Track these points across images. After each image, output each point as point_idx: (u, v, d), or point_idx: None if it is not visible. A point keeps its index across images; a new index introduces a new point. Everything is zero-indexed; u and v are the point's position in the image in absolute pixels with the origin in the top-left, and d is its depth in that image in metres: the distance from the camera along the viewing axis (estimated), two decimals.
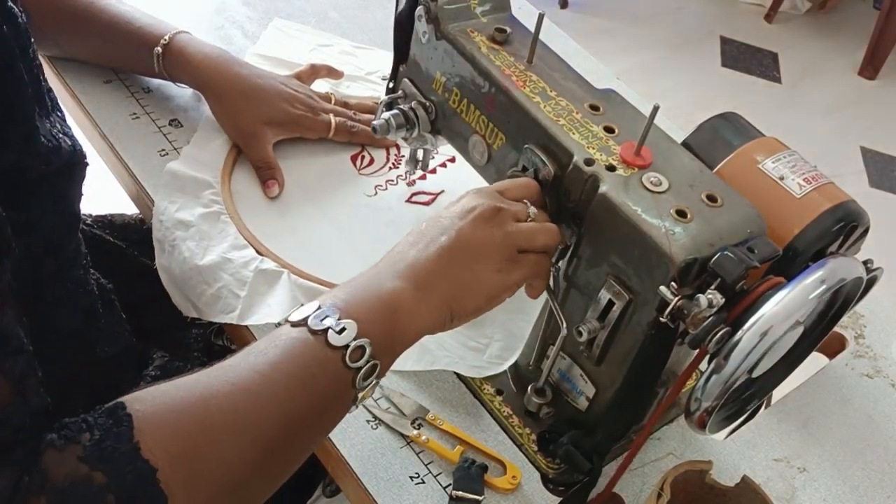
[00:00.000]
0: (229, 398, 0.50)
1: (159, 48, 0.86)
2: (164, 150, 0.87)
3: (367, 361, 0.54)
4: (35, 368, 0.48)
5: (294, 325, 0.54)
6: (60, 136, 0.58)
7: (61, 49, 0.92)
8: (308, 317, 0.53)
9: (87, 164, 0.62)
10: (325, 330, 0.52)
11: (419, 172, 0.90)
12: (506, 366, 0.74)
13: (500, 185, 0.64)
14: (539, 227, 0.62)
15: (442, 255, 0.59)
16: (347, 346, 0.53)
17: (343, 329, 0.53)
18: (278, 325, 0.56)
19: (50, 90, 0.60)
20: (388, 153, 0.93)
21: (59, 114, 0.60)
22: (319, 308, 0.54)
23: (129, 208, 0.93)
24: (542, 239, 0.62)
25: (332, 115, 0.90)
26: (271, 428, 0.51)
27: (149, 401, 0.49)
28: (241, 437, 0.50)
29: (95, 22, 0.87)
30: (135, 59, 0.89)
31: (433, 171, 0.92)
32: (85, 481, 0.44)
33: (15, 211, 0.50)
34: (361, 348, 0.53)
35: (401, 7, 0.73)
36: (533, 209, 0.62)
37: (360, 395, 0.55)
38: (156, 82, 0.93)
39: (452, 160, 0.93)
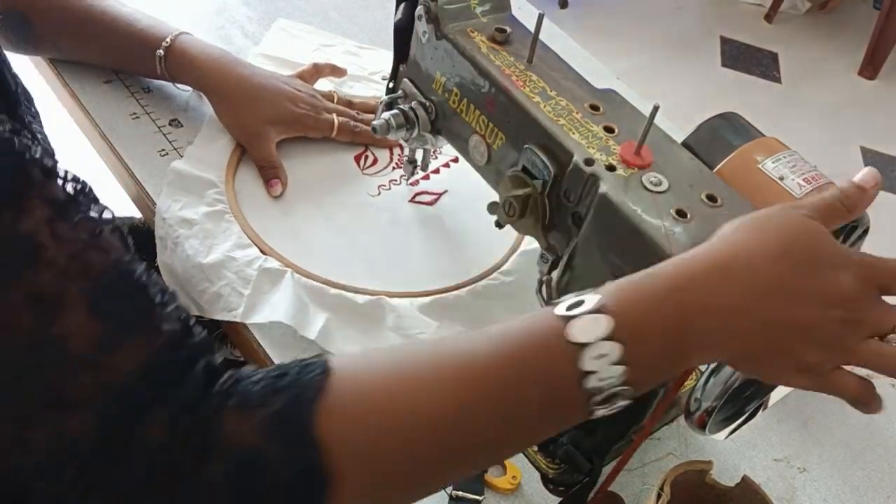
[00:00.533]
0: (436, 376, 0.45)
1: (161, 50, 0.86)
2: (164, 150, 0.87)
3: (611, 395, 0.45)
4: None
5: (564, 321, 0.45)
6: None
7: (61, 52, 0.92)
8: (588, 344, 0.44)
9: None
10: (588, 373, 0.44)
11: (420, 174, 0.90)
12: None
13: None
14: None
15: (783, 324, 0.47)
16: (600, 389, 0.44)
17: (609, 379, 0.44)
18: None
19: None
20: (392, 153, 0.93)
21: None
22: (601, 346, 0.44)
23: (130, 209, 0.93)
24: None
25: (335, 115, 0.90)
26: (473, 420, 0.45)
27: (347, 369, 0.46)
28: (434, 421, 0.45)
29: (96, 25, 0.87)
30: (137, 61, 0.89)
31: (436, 171, 0.92)
32: (257, 454, 0.43)
33: None
34: (613, 393, 0.45)
35: (400, 7, 0.73)
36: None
37: (592, 414, 0.46)
38: (156, 82, 0.93)
39: (456, 160, 0.93)
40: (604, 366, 0.44)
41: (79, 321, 0.42)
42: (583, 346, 0.44)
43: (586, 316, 0.45)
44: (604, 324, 0.44)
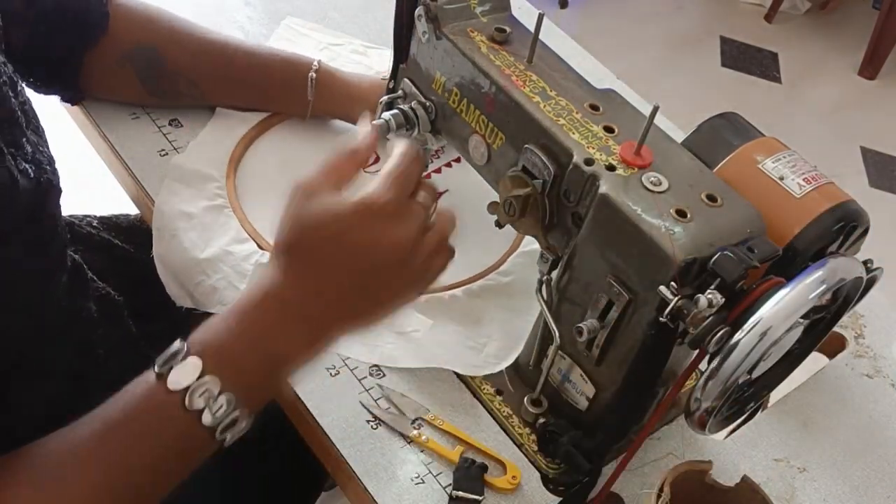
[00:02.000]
0: (73, 469, 0.51)
1: (313, 73, 0.84)
2: (163, 150, 0.87)
3: (232, 420, 0.52)
4: None
5: (161, 379, 0.51)
6: (22, 165, 0.54)
7: (195, 91, 0.88)
8: (188, 388, 0.51)
9: (59, 191, 0.60)
10: (200, 410, 0.51)
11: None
12: (503, 365, 0.74)
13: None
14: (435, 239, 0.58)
15: (344, 300, 0.54)
16: (216, 426, 0.51)
17: (220, 407, 0.51)
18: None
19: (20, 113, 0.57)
20: None
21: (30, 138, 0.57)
22: (201, 383, 0.51)
23: (130, 209, 0.93)
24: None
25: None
26: (124, 485, 0.51)
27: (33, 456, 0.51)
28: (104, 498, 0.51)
29: (226, 58, 0.85)
30: (280, 93, 0.87)
31: (438, 171, 0.92)
32: None
33: None
34: (230, 420, 0.52)
35: (400, 7, 0.73)
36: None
37: (225, 441, 0.53)
38: None
39: (458, 160, 0.93)
40: (210, 400, 0.50)
41: None
42: (185, 389, 0.50)
43: (179, 364, 0.50)
44: (196, 364, 0.50)
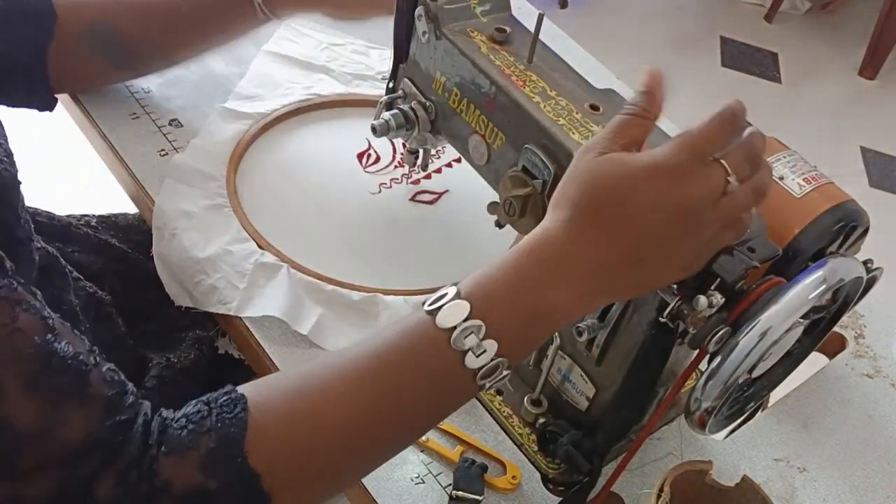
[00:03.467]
0: (337, 390, 0.51)
1: None
2: (164, 150, 0.87)
3: (492, 367, 0.51)
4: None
5: (430, 317, 0.51)
6: None
7: (148, 55, 0.88)
8: (455, 327, 0.50)
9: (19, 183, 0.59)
10: (465, 352, 0.50)
11: (421, 172, 0.90)
12: None
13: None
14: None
15: (622, 262, 0.51)
16: (481, 367, 0.51)
17: (483, 352, 0.50)
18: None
19: None
20: (395, 151, 0.93)
21: None
22: (467, 325, 0.50)
23: (129, 209, 0.93)
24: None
25: None
26: (377, 419, 0.52)
27: (262, 401, 0.51)
28: (345, 429, 0.51)
29: (167, 5, 0.85)
30: (229, 18, 0.86)
31: (438, 171, 0.92)
32: (201, 489, 0.48)
33: None
34: (494, 364, 0.51)
35: (400, 7, 0.73)
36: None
37: (483, 388, 0.53)
38: (156, 83, 0.93)
39: (459, 160, 0.93)
40: (475, 341, 0.50)
41: (18, 402, 0.46)
42: (452, 329, 0.50)
43: (447, 305, 0.51)
44: (463, 307, 0.51)
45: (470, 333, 0.50)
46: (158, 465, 0.48)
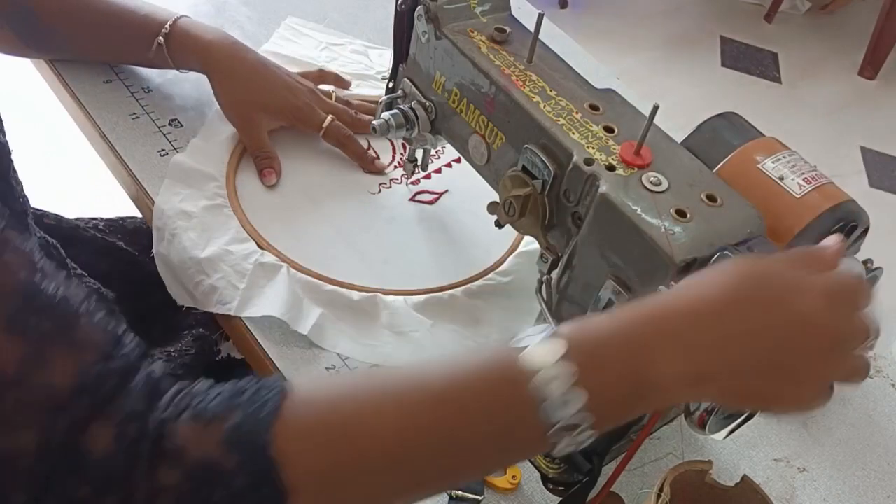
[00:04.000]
0: (389, 402, 0.46)
1: (161, 37, 0.85)
2: (164, 150, 0.87)
3: (573, 423, 0.45)
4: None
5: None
6: None
7: (62, 45, 0.90)
8: (540, 369, 0.44)
9: None
10: (544, 399, 0.44)
11: (420, 173, 0.90)
12: None
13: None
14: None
15: (756, 358, 0.47)
16: (558, 420, 0.44)
17: (567, 402, 0.44)
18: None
19: None
20: (395, 151, 0.93)
21: None
22: (556, 368, 0.44)
23: (129, 209, 0.93)
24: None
25: (329, 117, 0.89)
26: (423, 449, 0.46)
27: (303, 394, 0.47)
28: (385, 447, 0.46)
29: (94, 11, 0.86)
30: (137, 50, 0.87)
31: (438, 171, 0.92)
32: (215, 465, 0.44)
33: None
34: (576, 420, 0.45)
35: (400, 6, 0.73)
36: None
37: (554, 447, 0.46)
38: (156, 83, 0.93)
39: (458, 160, 0.93)
40: (558, 390, 0.44)
41: None
42: (537, 371, 0.44)
43: (539, 342, 0.45)
44: (558, 346, 0.44)
45: (556, 378, 0.44)
46: (175, 428, 0.44)
